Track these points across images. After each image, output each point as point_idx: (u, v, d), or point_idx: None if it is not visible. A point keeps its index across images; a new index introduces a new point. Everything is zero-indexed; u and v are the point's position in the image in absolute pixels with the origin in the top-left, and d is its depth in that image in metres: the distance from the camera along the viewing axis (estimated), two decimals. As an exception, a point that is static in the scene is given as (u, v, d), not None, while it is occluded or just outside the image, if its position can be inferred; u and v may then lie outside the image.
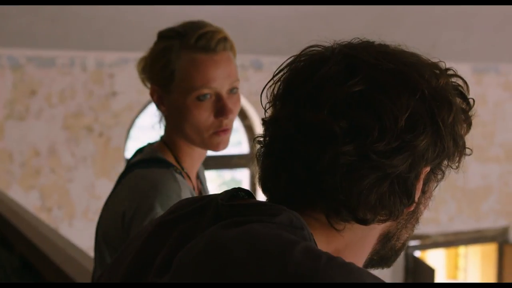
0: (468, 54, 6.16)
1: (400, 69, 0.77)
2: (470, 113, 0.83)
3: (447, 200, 6.62)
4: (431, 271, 6.32)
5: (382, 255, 0.84)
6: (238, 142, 6.24)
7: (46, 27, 4.62)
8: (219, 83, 1.40)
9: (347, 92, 0.75)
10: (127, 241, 0.88)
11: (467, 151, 0.82)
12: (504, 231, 7.08)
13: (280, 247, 0.67)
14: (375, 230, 0.80)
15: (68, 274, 2.12)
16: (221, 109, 1.40)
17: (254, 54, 5.50)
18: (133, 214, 1.33)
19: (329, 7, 4.85)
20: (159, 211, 1.30)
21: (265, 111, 0.82)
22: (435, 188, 0.83)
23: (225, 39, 1.43)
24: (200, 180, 1.57)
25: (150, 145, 1.50)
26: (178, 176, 1.38)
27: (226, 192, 0.80)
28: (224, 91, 1.41)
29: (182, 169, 1.45)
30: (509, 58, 6.59)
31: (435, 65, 0.81)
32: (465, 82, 0.83)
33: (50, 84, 4.95)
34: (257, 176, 0.82)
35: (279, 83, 0.81)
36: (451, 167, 0.82)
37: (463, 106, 0.82)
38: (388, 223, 0.80)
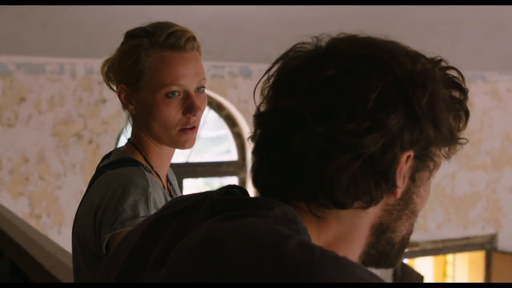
0: (455, 62, 6.19)
1: (373, 54, 0.78)
2: (465, 103, 0.82)
3: (435, 208, 6.65)
4: (419, 278, 6.34)
5: (380, 249, 0.83)
6: (227, 150, 6.24)
7: (35, 34, 4.61)
8: (188, 80, 1.41)
9: (318, 78, 0.76)
10: (122, 238, 0.89)
11: (462, 140, 0.82)
12: (491, 238, 7.12)
13: (275, 241, 0.68)
14: (364, 220, 0.80)
15: (59, 279, 2.12)
16: (190, 107, 1.41)
17: (243, 61, 5.52)
18: (103, 212, 1.35)
19: (318, 14, 4.88)
20: (126, 207, 1.32)
21: (258, 109, 0.83)
22: (429, 179, 0.82)
23: (193, 38, 1.44)
24: (170, 181, 1.58)
25: (117, 149, 1.52)
26: (148, 174, 1.39)
27: (221, 188, 0.82)
28: (192, 89, 1.42)
29: (152, 168, 1.46)
30: (496, 66, 6.65)
31: (414, 52, 0.81)
32: (459, 73, 0.84)
33: (39, 91, 4.95)
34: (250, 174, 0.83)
35: (269, 82, 0.83)
36: (444, 156, 0.82)
37: (457, 95, 0.82)
38: (378, 214, 0.80)
